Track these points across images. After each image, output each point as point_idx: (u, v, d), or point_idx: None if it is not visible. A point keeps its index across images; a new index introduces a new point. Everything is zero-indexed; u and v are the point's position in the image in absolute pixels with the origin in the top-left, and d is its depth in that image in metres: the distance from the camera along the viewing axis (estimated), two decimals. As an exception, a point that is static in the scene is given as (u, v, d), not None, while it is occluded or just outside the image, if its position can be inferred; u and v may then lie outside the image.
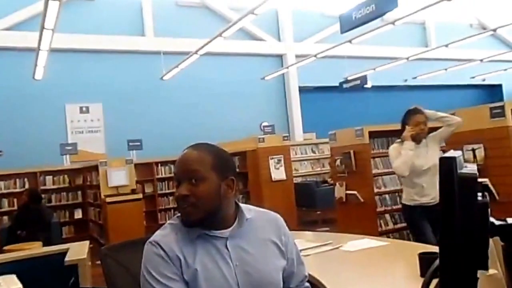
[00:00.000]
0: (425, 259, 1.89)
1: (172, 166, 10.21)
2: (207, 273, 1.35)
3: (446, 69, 13.91)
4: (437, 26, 14.96)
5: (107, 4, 11.07)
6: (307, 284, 1.61)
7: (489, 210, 0.74)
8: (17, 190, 9.05)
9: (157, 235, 1.41)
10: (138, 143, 9.85)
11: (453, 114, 4.28)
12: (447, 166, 0.72)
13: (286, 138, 8.01)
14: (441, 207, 0.74)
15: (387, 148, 5.92)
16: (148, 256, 1.37)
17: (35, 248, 5.01)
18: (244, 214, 1.46)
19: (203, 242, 1.40)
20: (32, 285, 2.62)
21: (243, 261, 1.40)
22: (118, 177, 8.01)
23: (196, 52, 9.09)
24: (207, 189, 1.38)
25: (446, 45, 11.13)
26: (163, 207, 10.21)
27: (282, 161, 7.50)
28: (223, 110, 11.94)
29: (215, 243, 1.40)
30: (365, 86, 11.12)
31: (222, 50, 11.18)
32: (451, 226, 0.73)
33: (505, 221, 0.77)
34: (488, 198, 0.78)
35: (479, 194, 0.74)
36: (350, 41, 8.92)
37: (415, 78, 14.51)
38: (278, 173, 7.45)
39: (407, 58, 12.05)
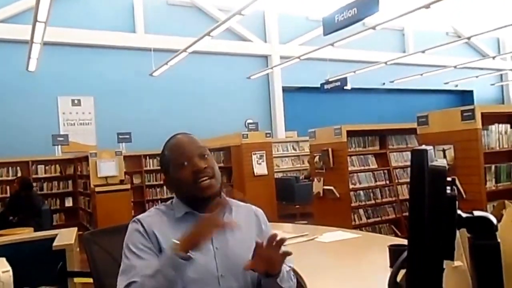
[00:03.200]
0: (394, 251, 1.89)
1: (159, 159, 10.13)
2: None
3: (421, 74, 14.03)
4: (415, 33, 15.08)
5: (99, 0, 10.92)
6: (292, 272, 1.55)
7: (456, 202, 0.73)
8: (10, 178, 8.91)
9: (141, 215, 1.42)
10: (128, 136, 9.80)
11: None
12: (418, 158, 0.71)
13: (268, 135, 8.00)
14: (411, 198, 0.73)
15: (364, 147, 6.00)
16: (129, 232, 1.38)
17: (25, 233, 4.96)
18: (227, 201, 1.47)
19: (187, 222, 1.37)
20: (22, 268, 2.60)
21: (224, 245, 1.39)
22: (108, 168, 7.99)
23: (185, 50, 9.00)
24: (215, 163, 1.43)
25: (423, 51, 11.21)
26: (150, 198, 10.14)
27: (264, 157, 7.49)
28: (210, 107, 11.87)
29: None
30: (345, 87, 11.14)
31: (210, 49, 11.12)
32: (420, 217, 0.72)
33: (472, 214, 0.76)
34: (456, 192, 0.77)
35: (448, 187, 0.74)
36: (332, 44, 8.92)
37: (392, 81, 14.62)
38: (260, 168, 7.43)
39: (386, 63, 12.12)
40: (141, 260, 1.30)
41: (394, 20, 7.76)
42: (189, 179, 1.37)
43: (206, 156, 1.40)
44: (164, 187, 10.22)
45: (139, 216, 1.41)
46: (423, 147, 0.73)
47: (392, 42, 14.95)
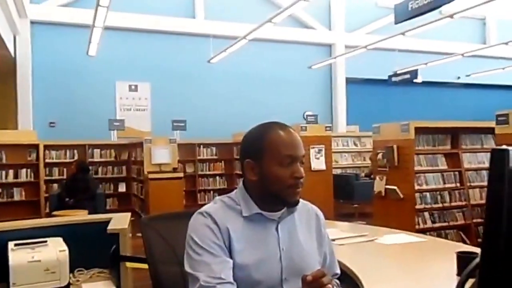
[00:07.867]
0: (463, 258, 1.84)
1: (214, 149, 10.35)
2: (253, 253, 1.33)
3: (503, 68, 13.29)
4: (498, 22, 14.31)
5: (160, -15, 11.22)
6: (337, 281, 1.56)
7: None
8: (67, 160, 9.41)
9: (209, 208, 1.38)
10: (183, 124, 10.05)
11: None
12: (498, 159, 0.69)
13: (328, 129, 7.92)
14: (488, 202, 0.71)
15: (433, 146, 5.80)
16: (197, 225, 1.34)
17: (81, 215, 5.28)
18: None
19: (254, 221, 1.38)
20: (76, 249, 2.77)
21: (290, 246, 1.39)
22: (161, 155, 8.23)
23: (244, 37, 9.08)
24: None
25: (506, 43, 10.61)
26: (202, 188, 10.34)
27: (323, 152, 7.43)
28: (268, 97, 11.92)
29: (266, 225, 1.39)
30: (415, 80, 10.82)
31: (271, 36, 11.15)
32: (497, 223, 0.70)
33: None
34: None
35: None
36: (403, 33, 8.66)
37: (469, 75, 14.00)
38: (318, 163, 7.39)
39: (462, 55, 11.60)
40: (215, 257, 1.29)
41: (475, 8, 7.40)
42: (285, 181, 1.36)
43: (303, 163, 1.41)
44: (217, 177, 10.42)
45: (207, 209, 1.36)
46: (504, 147, 0.71)
47: (471, 32, 14.29)
